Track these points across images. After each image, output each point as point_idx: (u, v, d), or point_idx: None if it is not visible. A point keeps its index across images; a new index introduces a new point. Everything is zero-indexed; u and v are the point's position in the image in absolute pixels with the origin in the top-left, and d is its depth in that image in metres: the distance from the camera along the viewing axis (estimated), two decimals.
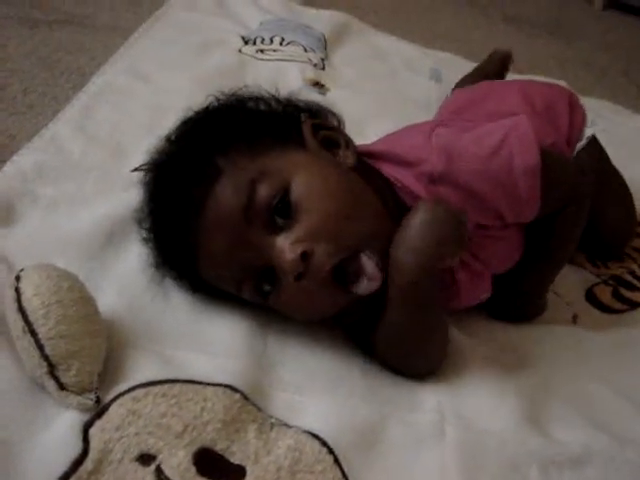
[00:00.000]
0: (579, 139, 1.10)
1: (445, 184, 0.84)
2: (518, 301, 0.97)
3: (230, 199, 0.77)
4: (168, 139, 0.86)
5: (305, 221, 0.77)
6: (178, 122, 0.87)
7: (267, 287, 0.79)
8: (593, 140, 1.12)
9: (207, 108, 0.87)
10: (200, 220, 0.78)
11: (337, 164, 0.85)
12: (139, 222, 0.87)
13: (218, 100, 0.88)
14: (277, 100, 0.90)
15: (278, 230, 0.77)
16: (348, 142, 0.88)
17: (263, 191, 0.77)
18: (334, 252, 0.76)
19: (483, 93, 1.17)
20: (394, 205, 0.86)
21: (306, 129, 0.85)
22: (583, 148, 1.10)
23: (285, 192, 0.77)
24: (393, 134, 1.00)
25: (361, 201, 0.82)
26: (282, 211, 0.77)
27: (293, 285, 0.76)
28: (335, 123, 0.93)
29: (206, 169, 0.79)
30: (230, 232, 0.77)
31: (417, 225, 0.77)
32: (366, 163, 0.89)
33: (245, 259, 0.78)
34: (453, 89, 1.44)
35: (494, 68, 1.47)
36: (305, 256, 0.75)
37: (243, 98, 0.89)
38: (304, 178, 0.79)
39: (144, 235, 0.86)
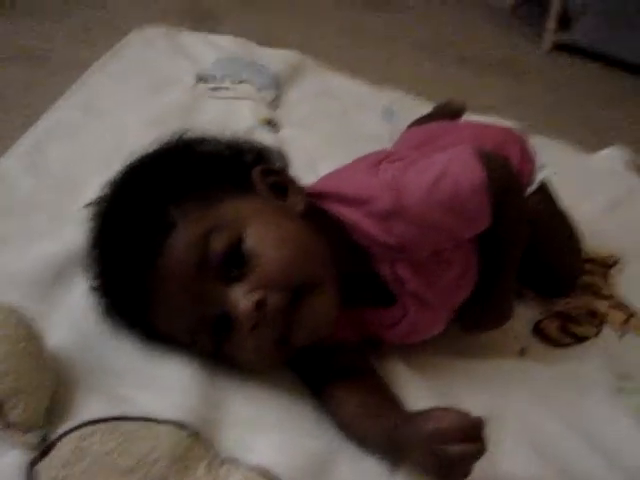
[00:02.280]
0: (529, 184, 1.12)
1: (397, 219, 0.85)
2: (482, 307, 0.97)
3: (184, 254, 0.77)
4: (117, 184, 0.85)
5: (258, 270, 0.77)
6: (125, 166, 0.85)
7: (222, 336, 0.79)
8: (543, 184, 1.14)
9: (155, 153, 0.87)
10: (153, 273, 0.77)
11: (287, 211, 0.85)
12: (86, 269, 0.85)
13: (165, 144, 0.88)
14: (223, 143, 0.90)
15: (232, 280, 0.78)
16: (296, 187, 0.89)
17: (217, 244, 0.77)
18: (284, 299, 0.77)
19: (436, 132, 1.19)
20: (344, 246, 0.87)
21: (256, 175, 0.86)
22: (533, 192, 1.12)
23: (238, 243, 0.78)
24: (338, 171, 1.00)
25: (309, 246, 0.82)
26: (235, 261, 0.78)
27: (249, 334, 0.77)
28: (282, 164, 0.93)
29: (159, 221, 0.78)
30: (184, 285, 0.77)
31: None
32: (315, 206, 0.89)
33: (199, 310, 0.78)
34: (408, 127, 1.46)
35: (448, 115, 1.49)
36: (259, 304, 0.76)
37: (190, 142, 0.89)
38: (257, 228, 0.79)
39: (92, 283, 0.85)
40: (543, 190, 1.15)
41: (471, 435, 0.70)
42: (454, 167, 0.87)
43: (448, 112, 1.43)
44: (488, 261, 0.95)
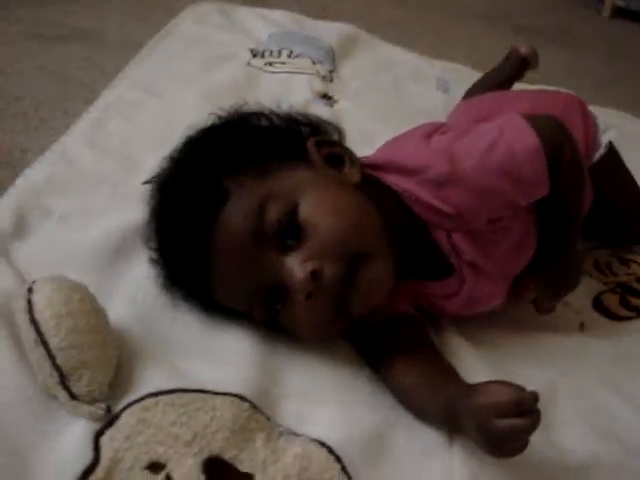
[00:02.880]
0: (595, 147, 1.11)
1: (452, 186, 0.84)
2: (552, 263, 0.95)
3: (240, 223, 0.77)
4: (174, 159, 0.86)
5: (313, 240, 0.78)
6: (182, 141, 0.87)
7: (278, 306, 0.80)
8: (610, 146, 1.13)
9: (211, 127, 0.88)
10: (210, 243, 0.78)
11: (343, 182, 0.85)
12: (146, 242, 0.87)
13: (220, 118, 0.89)
14: (278, 116, 0.90)
15: (287, 250, 0.78)
16: (352, 158, 0.89)
17: (272, 213, 0.78)
18: (340, 268, 0.77)
19: (490, 108, 1.15)
20: (402, 216, 0.86)
21: (311, 146, 0.86)
22: (602, 155, 1.11)
23: (293, 213, 0.78)
24: (391, 141, 1.00)
25: (364, 217, 0.82)
26: (291, 231, 0.78)
27: (304, 303, 0.77)
28: (336, 136, 0.93)
29: (214, 192, 0.79)
30: (240, 254, 0.78)
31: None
32: (372, 177, 0.89)
33: (255, 280, 0.79)
34: (463, 97, 1.44)
35: (510, 69, 1.45)
36: (315, 274, 0.76)
37: (245, 116, 0.89)
38: (311, 198, 0.79)
39: (152, 256, 0.87)
40: (610, 152, 1.13)
41: (524, 409, 0.69)
42: (507, 133, 0.86)
43: (514, 63, 1.40)
44: (550, 226, 0.93)
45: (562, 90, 1.39)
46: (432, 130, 0.95)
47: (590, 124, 1.12)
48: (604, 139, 1.12)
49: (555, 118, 0.92)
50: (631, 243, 1.21)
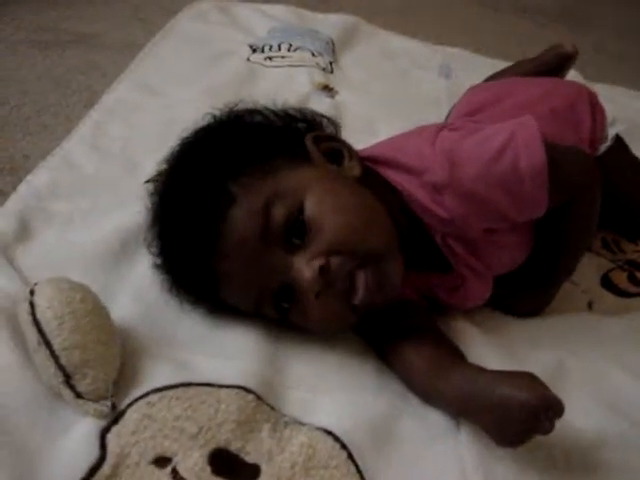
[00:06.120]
0: (603, 140, 1.09)
1: (450, 192, 0.83)
2: (530, 299, 0.97)
3: (246, 224, 0.77)
4: (173, 162, 0.85)
5: (320, 238, 0.77)
6: (180, 143, 0.86)
7: (285, 305, 0.80)
8: (618, 139, 1.12)
9: (209, 128, 0.87)
10: (216, 247, 0.78)
11: (344, 177, 0.85)
12: (147, 246, 0.87)
13: (216, 118, 0.88)
14: (274, 113, 0.90)
15: (294, 249, 0.78)
16: (351, 151, 0.88)
17: (278, 213, 0.77)
18: (349, 262, 0.77)
19: (504, 91, 1.15)
20: (400, 212, 0.86)
21: (309, 143, 0.86)
22: (609, 148, 1.09)
23: (299, 211, 0.78)
24: (399, 137, 0.99)
25: (371, 213, 0.82)
26: (297, 231, 0.78)
27: (313, 302, 0.78)
28: (332, 130, 0.93)
29: (219, 197, 0.78)
30: (248, 256, 0.78)
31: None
32: (371, 171, 0.89)
33: (264, 281, 0.79)
34: (485, 80, 1.41)
35: (554, 62, 1.36)
36: (322, 270, 0.76)
37: (241, 114, 0.89)
38: (315, 196, 0.79)
39: (155, 261, 0.87)
40: (617, 144, 1.12)
41: (550, 417, 0.69)
42: (516, 142, 0.84)
43: (554, 58, 1.35)
44: (546, 252, 0.93)
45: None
46: (440, 127, 0.94)
47: (599, 116, 1.10)
48: (611, 132, 1.11)
49: (587, 155, 0.93)
50: None
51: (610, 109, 1.15)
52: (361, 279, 0.78)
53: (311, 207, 0.78)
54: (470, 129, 0.91)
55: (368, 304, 0.80)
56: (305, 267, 0.77)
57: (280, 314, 0.81)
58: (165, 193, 0.85)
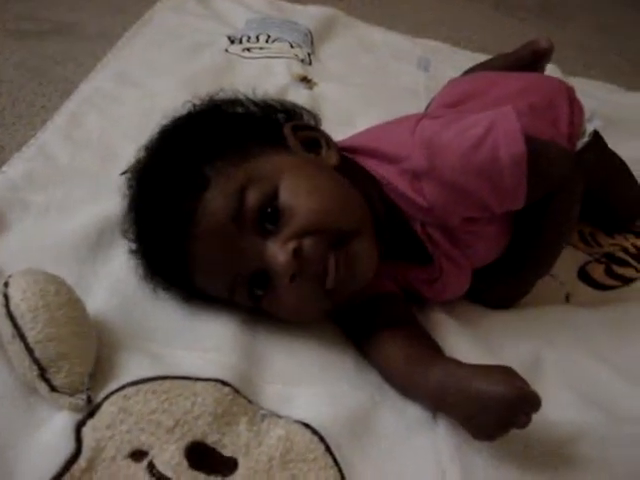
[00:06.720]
0: (580, 135, 1.09)
1: (429, 180, 0.84)
2: (504, 288, 0.97)
3: (220, 209, 0.77)
4: (151, 149, 0.85)
5: (293, 221, 0.77)
6: (158, 130, 0.86)
7: (259, 292, 0.80)
8: (595, 135, 1.12)
9: (187, 115, 0.87)
10: (190, 231, 0.77)
11: (321, 165, 0.85)
12: (124, 232, 0.87)
13: (196, 106, 0.88)
14: (254, 103, 0.90)
15: (268, 234, 0.78)
16: (329, 141, 0.88)
17: (252, 198, 0.77)
18: (321, 243, 0.77)
19: (483, 85, 1.15)
20: (379, 201, 0.86)
21: (287, 131, 0.86)
22: (587, 144, 1.09)
23: (273, 197, 0.78)
24: (379, 127, 1.00)
25: (345, 197, 0.82)
26: (271, 216, 0.78)
27: (287, 286, 0.77)
28: (312, 122, 0.93)
29: (194, 180, 0.78)
30: (222, 240, 0.77)
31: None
32: (349, 160, 0.89)
33: (237, 265, 0.79)
34: (464, 73, 1.41)
35: (529, 58, 1.36)
36: (296, 253, 0.76)
37: (221, 103, 0.89)
38: (291, 182, 0.79)
39: (131, 246, 0.86)
40: (595, 140, 1.12)
41: (527, 410, 0.69)
42: (496, 132, 0.84)
43: (529, 54, 1.34)
44: (522, 244, 0.93)
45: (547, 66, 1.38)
46: (420, 117, 0.94)
47: (576, 111, 1.11)
48: (589, 128, 1.11)
49: (569, 153, 0.94)
50: (624, 230, 1.20)
51: (588, 104, 1.15)
52: (332, 262, 0.77)
53: (285, 192, 0.78)
54: (450, 119, 0.91)
55: (342, 289, 0.79)
56: (279, 251, 0.76)
57: (254, 301, 0.81)
58: (141, 177, 0.85)
